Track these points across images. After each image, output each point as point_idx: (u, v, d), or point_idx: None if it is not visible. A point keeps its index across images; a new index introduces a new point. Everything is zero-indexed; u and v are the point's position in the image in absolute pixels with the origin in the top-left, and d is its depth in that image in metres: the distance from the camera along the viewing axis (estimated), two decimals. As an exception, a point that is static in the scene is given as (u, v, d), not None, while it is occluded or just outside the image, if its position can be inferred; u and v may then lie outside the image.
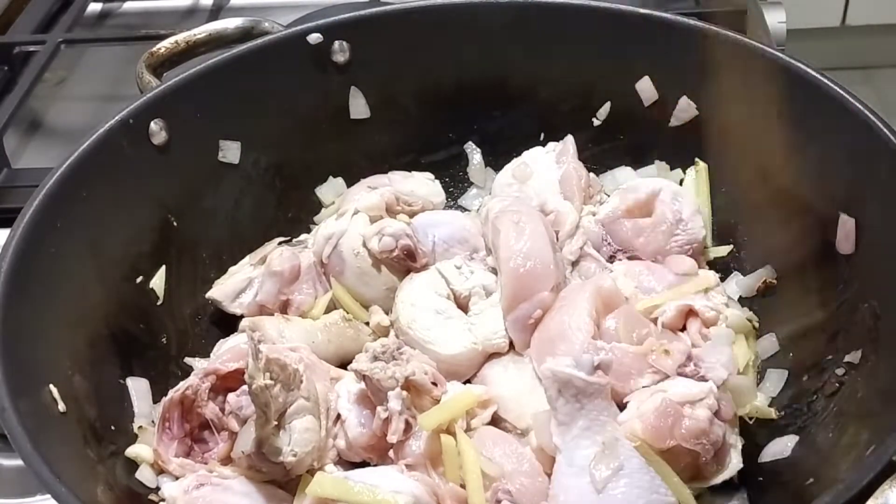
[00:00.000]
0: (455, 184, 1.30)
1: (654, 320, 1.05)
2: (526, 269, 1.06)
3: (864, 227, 1.03)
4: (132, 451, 0.98)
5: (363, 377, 0.97)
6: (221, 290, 1.14)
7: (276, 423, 0.92)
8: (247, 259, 1.18)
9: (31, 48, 1.59)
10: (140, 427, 1.01)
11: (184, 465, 0.96)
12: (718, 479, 0.96)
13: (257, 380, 0.89)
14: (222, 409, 1.00)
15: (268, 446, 0.91)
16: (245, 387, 0.93)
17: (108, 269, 1.06)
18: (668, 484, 0.91)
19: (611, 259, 1.15)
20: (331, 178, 1.26)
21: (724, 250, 1.19)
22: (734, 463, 0.96)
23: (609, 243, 1.16)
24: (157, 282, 1.11)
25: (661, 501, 0.90)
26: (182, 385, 1.00)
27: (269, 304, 1.12)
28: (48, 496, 0.84)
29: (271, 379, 0.91)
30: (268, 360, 0.91)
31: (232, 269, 1.17)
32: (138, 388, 1.04)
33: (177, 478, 0.96)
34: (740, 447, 0.98)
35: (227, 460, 0.97)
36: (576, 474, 0.91)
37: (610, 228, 1.16)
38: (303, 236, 1.21)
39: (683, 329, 1.06)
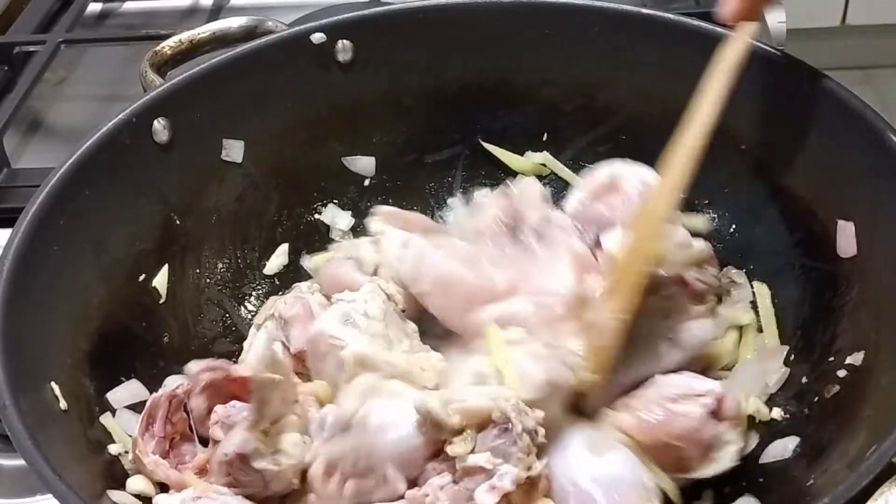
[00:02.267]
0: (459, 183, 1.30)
1: None
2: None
3: (864, 229, 1.03)
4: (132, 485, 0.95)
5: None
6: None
7: (265, 427, 0.91)
8: (252, 330, 1.14)
9: (31, 48, 1.59)
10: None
11: (158, 463, 0.94)
12: (703, 474, 0.96)
13: (267, 372, 0.89)
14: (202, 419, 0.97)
15: (253, 450, 0.89)
16: (232, 401, 0.93)
17: (110, 268, 1.06)
18: (654, 472, 0.93)
19: (596, 242, 1.14)
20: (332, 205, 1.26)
21: (699, 220, 1.19)
22: (725, 461, 0.96)
23: (585, 230, 1.16)
24: (160, 280, 1.11)
25: (646, 484, 0.92)
26: (173, 384, 0.99)
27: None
28: (49, 496, 0.84)
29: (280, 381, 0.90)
30: (278, 360, 0.90)
31: (246, 344, 1.13)
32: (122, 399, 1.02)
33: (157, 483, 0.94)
34: (737, 447, 0.97)
35: (202, 472, 0.94)
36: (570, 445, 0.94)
37: (583, 216, 1.16)
38: (296, 286, 1.16)
39: None
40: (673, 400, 0.96)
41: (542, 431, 0.91)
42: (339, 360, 0.98)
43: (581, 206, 1.17)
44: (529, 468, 0.88)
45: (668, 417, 0.95)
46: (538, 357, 0.97)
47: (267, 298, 1.19)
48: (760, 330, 1.10)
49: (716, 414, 0.96)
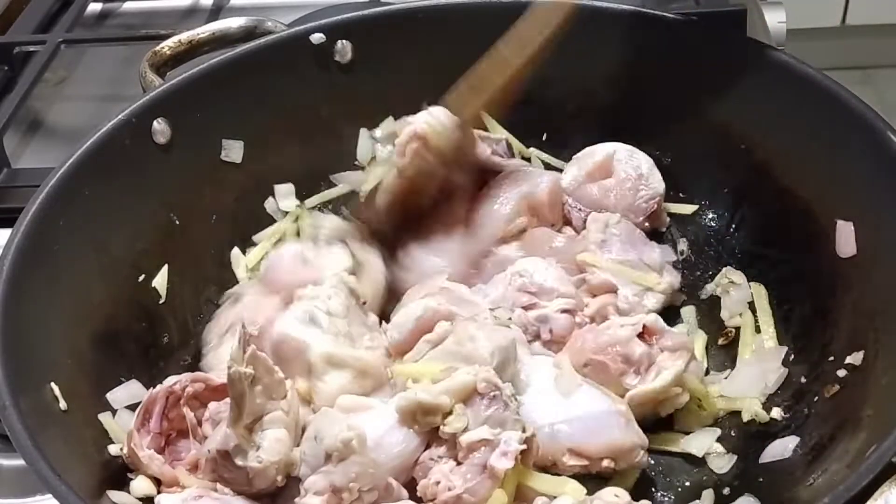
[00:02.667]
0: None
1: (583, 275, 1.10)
2: None
3: (864, 229, 1.03)
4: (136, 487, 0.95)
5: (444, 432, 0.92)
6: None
7: (248, 424, 0.90)
8: (213, 334, 1.11)
9: (31, 48, 1.58)
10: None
11: (152, 458, 0.94)
12: (638, 389, 0.98)
13: (238, 365, 0.88)
14: (201, 421, 0.98)
15: (234, 446, 0.89)
16: (225, 399, 0.92)
17: (110, 268, 1.06)
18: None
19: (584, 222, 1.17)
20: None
21: (689, 209, 1.20)
22: (660, 378, 0.98)
23: (580, 209, 1.18)
24: (160, 280, 1.11)
25: (615, 408, 0.96)
26: (170, 381, 0.99)
27: None
28: (49, 496, 0.84)
29: (254, 376, 0.89)
30: (254, 355, 0.89)
31: (209, 359, 1.09)
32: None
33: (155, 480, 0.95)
34: (674, 371, 0.98)
35: (195, 469, 0.95)
36: (541, 392, 0.98)
37: (577, 195, 1.19)
38: (241, 293, 1.13)
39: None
40: (605, 328, 1.02)
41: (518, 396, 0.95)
42: (305, 361, 0.99)
43: (576, 183, 1.19)
44: (524, 429, 0.91)
45: (594, 336, 1.01)
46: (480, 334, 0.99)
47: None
48: (759, 330, 1.10)
49: (644, 337, 1.00)
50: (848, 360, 0.99)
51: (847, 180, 1.06)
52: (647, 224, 1.19)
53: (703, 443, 1.01)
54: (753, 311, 1.12)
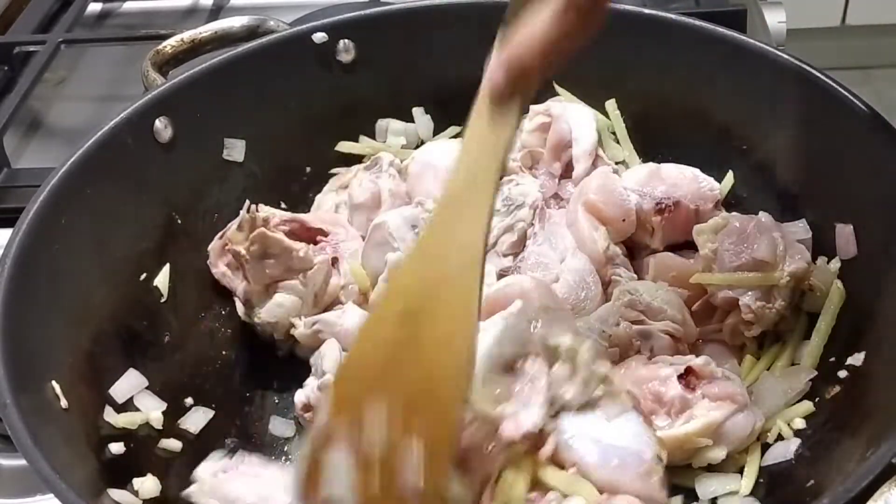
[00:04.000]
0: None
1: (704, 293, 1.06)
2: None
3: (865, 229, 1.03)
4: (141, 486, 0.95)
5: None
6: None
7: (258, 289, 1.07)
8: (329, 185, 1.22)
9: (31, 48, 1.59)
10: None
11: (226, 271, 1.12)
12: (663, 433, 0.94)
13: (236, 244, 1.06)
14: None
15: (246, 300, 1.09)
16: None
17: (112, 267, 1.06)
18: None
19: (659, 208, 1.11)
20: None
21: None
22: (686, 426, 0.94)
23: (655, 200, 1.12)
24: (162, 279, 1.11)
25: (644, 453, 0.92)
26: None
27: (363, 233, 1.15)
28: (49, 496, 0.84)
29: (261, 251, 1.05)
30: (263, 234, 1.05)
31: (318, 199, 1.22)
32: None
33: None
34: (702, 423, 0.94)
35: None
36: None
37: (646, 187, 1.13)
38: (381, 155, 1.19)
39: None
40: (653, 362, 0.99)
41: (568, 396, 0.94)
42: (386, 257, 1.05)
43: (639, 177, 1.15)
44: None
45: (636, 367, 0.98)
46: None
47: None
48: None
49: (686, 381, 0.96)
50: (849, 361, 0.99)
51: (847, 181, 1.06)
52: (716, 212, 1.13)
53: (715, 488, 0.96)
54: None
